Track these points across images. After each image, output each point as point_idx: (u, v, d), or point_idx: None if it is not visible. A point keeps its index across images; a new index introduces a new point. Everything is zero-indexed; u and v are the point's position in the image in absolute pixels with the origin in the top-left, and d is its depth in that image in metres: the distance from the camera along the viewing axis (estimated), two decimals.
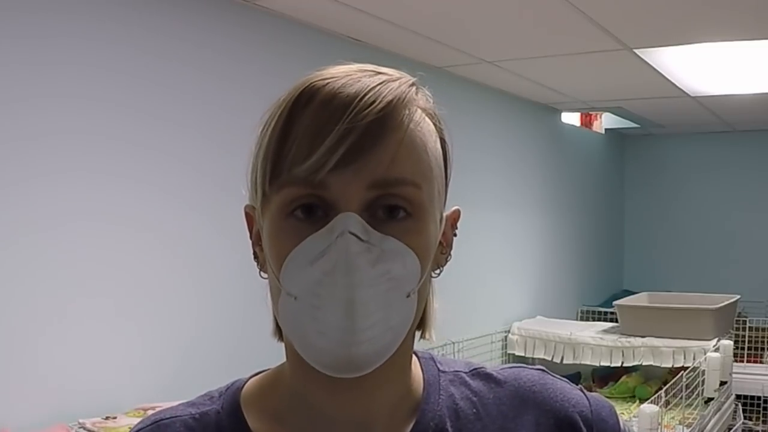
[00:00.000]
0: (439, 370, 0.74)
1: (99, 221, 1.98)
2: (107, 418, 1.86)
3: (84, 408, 1.89)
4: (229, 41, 2.36)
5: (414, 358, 0.74)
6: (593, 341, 3.64)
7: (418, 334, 0.71)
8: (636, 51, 3.00)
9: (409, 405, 0.71)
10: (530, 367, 0.77)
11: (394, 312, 0.62)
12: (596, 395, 0.76)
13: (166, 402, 1.99)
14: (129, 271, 2.06)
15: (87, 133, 1.95)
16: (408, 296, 0.63)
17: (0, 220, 1.77)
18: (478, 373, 0.75)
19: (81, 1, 1.94)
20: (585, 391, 0.76)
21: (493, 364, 0.81)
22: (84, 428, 1.81)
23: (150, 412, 1.92)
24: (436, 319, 0.71)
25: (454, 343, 3.26)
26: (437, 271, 0.70)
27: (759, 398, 4.25)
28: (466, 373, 0.75)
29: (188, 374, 2.20)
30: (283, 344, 0.71)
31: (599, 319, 4.53)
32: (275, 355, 0.78)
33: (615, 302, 3.91)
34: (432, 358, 0.76)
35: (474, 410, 0.71)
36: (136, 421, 1.83)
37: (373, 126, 0.60)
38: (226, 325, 2.34)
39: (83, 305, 1.95)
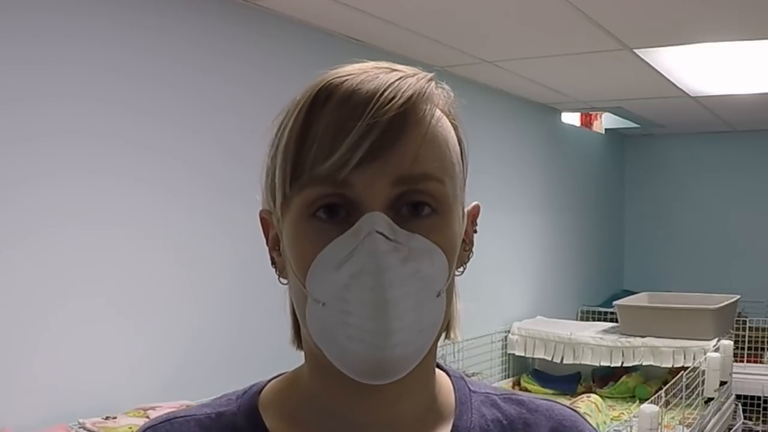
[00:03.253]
0: (470, 389, 0.73)
1: (99, 221, 1.98)
2: (107, 418, 1.86)
3: (84, 408, 1.89)
4: (229, 41, 2.36)
5: (444, 374, 0.73)
6: (593, 341, 3.64)
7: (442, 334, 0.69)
8: (636, 51, 3.00)
9: (439, 419, 0.69)
10: (565, 405, 0.76)
11: (425, 313, 0.60)
12: None
13: (166, 402, 1.99)
14: (129, 271, 2.06)
15: (87, 133, 1.95)
16: (438, 295, 0.61)
17: (0, 220, 1.77)
18: (510, 398, 0.74)
19: (81, 1, 1.94)
20: None
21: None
22: (84, 428, 1.81)
23: (150, 412, 1.93)
24: (460, 320, 0.70)
25: (454, 343, 3.26)
26: (461, 269, 0.68)
27: (759, 398, 4.25)
28: (498, 396, 0.74)
29: (188, 374, 2.20)
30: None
31: (599, 319, 4.53)
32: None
33: (615, 302, 3.91)
34: (462, 378, 0.75)
35: None
36: (136, 421, 1.84)
37: (395, 121, 0.59)
38: (226, 326, 2.34)
39: (83, 305, 1.95)
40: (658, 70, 3.33)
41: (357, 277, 0.58)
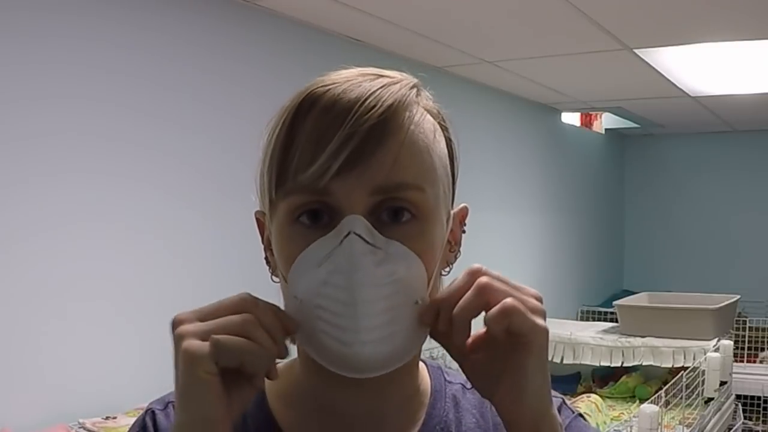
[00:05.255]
0: (445, 380, 0.76)
1: (99, 221, 1.98)
2: (107, 418, 1.87)
3: (84, 408, 1.89)
4: (229, 41, 2.36)
5: (422, 365, 0.76)
6: (593, 341, 3.64)
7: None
8: (636, 51, 3.00)
9: (416, 407, 0.73)
10: None
11: (401, 318, 0.61)
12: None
13: None
14: (129, 271, 2.06)
15: (87, 133, 1.95)
16: (416, 303, 0.62)
17: (0, 220, 1.77)
18: None
19: (81, 1, 1.94)
20: (583, 418, 0.77)
21: None
22: (84, 428, 1.81)
23: None
24: None
25: None
26: (447, 269, 0.70)
27: (759, 398, 4.25)
28: (468, 389, 0.76)
29: None
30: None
31: (599, 319, 4.53)
32: None
33: (615, 302, 3.91)
34: (439, 368, 0.78)
35: (474, 420, 0.74)
36: None
37: (375, 130, 0.61)
38: None
39: (83, 305, 1.95)
40: (658, 70, 3.33)
41: (332, 275, 0.60)
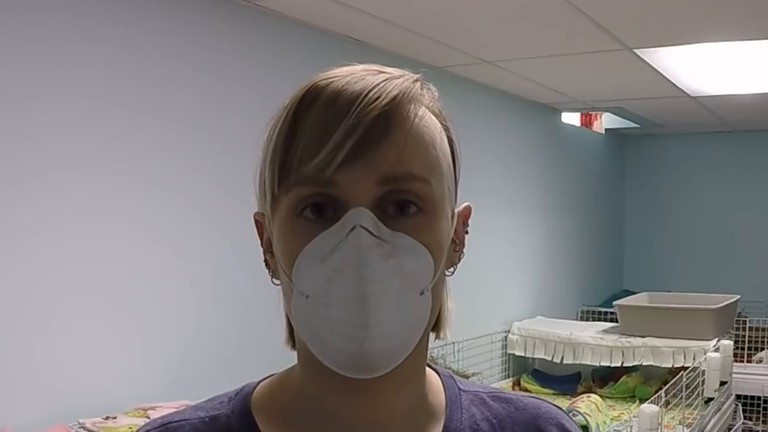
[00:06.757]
0: (459, 389, 0.74)
1: (99, 221, 1.98)
2: (107, 418, 1.86)
3: (84, 408, 1.89)
4: (229, 41, 2.36)
5: (434, 373, 0.74)
6: (593, 341, 3.64)
7: (432, 334, 0.70)
8: (636, 51, 3.00)
9: (430, 419, 0.70)
10: (551, 403, 0.77)
11: (408, 310, 0.60)
12: None
13: (166, 402, 1.99)
14: (129, 270, 2.06)
15: (87, 133, 1.95)
16: (422, 294, 0.61)
17: (0, 220, 1.77)
18: (498, 397, 0.75)
19: (81, 1, 1.94)
20: None
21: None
22: (84, 428, 1.81)
23: (150, 412, 1.93)
24: (451, 319, 0.71)
25: (454, 343, 3.26)
26: (451, 269, 0.69)
27: (759, 398, 4.25)
28: (486, 394, 0.75)
29: (188, 374, 2.20)
30: (287, 349, 0.71)
31: (599, 319, 4.54)
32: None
33: (615, 302, 3.91)
34: (451, 377, 0.75)
35: None
36: (136, 421, 1.84)
37: (379, 120, 0.60)
38: (226, 325, 2.34)
39: (83, 305, 1.95)
40: (658, 70, 3.33)
41: (340, 270, 0.59)
